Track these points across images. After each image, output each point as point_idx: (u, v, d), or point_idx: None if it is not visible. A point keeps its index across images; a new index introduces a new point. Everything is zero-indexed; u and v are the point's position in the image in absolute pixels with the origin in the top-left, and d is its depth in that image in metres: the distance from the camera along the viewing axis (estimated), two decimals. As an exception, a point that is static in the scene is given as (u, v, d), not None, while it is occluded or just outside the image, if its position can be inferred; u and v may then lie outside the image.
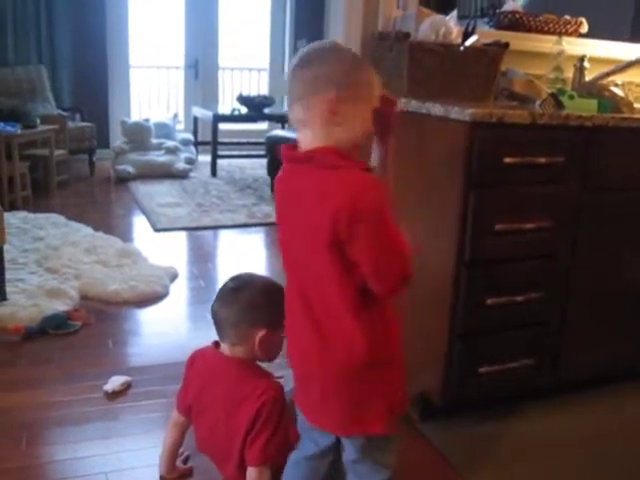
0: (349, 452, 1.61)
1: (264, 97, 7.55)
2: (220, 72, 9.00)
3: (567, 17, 2.97)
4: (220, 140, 7.37)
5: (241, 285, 1.94)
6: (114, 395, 2.55)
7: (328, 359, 1.49)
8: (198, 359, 2.05)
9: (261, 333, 1.87)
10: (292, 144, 1.50)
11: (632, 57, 2.94)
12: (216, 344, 1.99)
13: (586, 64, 2.88)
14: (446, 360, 2.29)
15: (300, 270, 1.51)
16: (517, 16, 2.91)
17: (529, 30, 2.92)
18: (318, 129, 1.43)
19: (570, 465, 2.25)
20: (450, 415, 2.45)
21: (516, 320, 2.36)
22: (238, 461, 1.88)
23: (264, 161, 6.81)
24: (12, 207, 5.17)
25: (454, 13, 2.58)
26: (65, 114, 6.69)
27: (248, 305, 1.89)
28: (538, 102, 2.42)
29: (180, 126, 8.42)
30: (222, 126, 7.44)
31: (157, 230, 5.06)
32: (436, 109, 2.22)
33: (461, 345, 2.28)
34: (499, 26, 2.92)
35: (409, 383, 2.40)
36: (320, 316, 1.47)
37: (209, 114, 7.36)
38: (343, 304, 1.43)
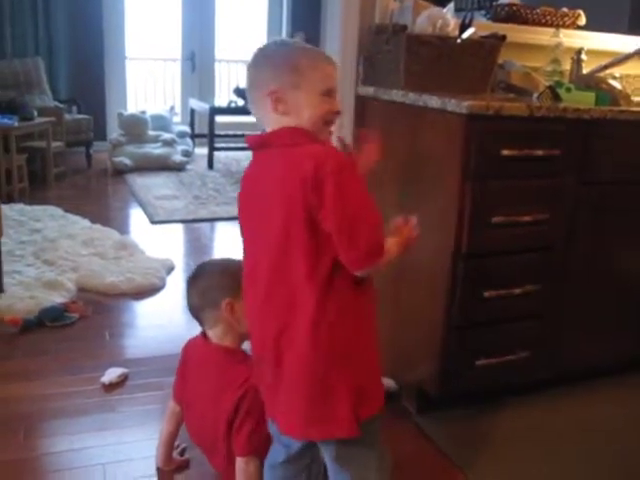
0: (325, 457, 1.57)
1: (261, 89, 7.51)
2: (217, 64, 8.99)
3: (564, 9, 2.96)
4: (217, 132, 7.36)
5: (197, 272, 2.01)
6: (111, 387, 2.56)
7: (289, 351, 1.45)
8: (190, 348, 2.06)
9: (224, 303, 1.88)
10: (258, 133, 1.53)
11: (630, 49, 2.94)
12: (204, 333, 2.01)
13: (584, 56, 2.87)
14: (443, 352, 2.29)
15: (267, 255, 1.47)
16: (514, 8, 2.90)
17: (526, 22, 2.91)
18: (272, 121, 1.48)
19: (567, 457, 2.26)
20: (447, 407, 2.45)
21: (513, 312, 2.36)
22: (224, 451, 1.88)
23: (261, 154, 6.79)
24: (9, 199, 5.17)
25: (451, 5, 2.58)
26: (62, 106, 6.68)
27: (206, 287, 1.95)
28: (535, 95, 2.42)
29: (177, 118, 8.40)
30: (219, 118, 7.43)
31: (154, 222, 5.06)
32: (433, 101, 2.22)
33: (458, 337, 2.29)
34: (496, 18, 2.92)
35: (406, 375, 2.41)
36: (286, 305, 1.44)
37: (206, 106, 7.35)
38: (310, 287, 1.41)
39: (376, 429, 1.55)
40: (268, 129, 1.49)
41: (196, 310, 1.98)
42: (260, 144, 1.50)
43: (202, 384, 1.96)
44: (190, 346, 2.07)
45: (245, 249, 1.57)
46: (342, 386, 1.44)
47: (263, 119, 1.49)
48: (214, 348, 1.96)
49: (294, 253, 1.41)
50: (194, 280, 2.00)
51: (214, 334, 1.96)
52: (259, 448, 1.80)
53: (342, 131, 2.65)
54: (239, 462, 1.84)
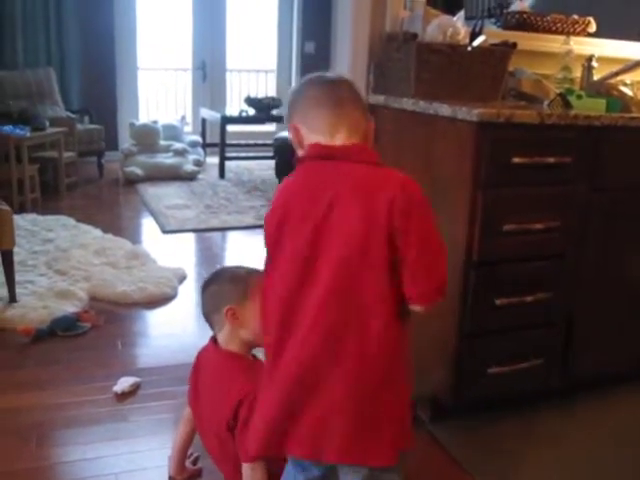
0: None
1: (272, 99, 7.54)
2: (228, 74, 9.01)
3: (575, 17, 2.96)
4: (228, 142, 7.37)
5: (210, 277, 2.06)
6: (123, 396, 2.56)
7: (336, 369, 1.42)
8: (201, 355, 2.08)
9: (225, 309, 1.91)
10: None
11: (640, 56, 2.94)
12: (215, 338, 2.02)
13: (594, 63, 2.87)
14: (455, 361, 2.29)
15: (333, 268, 1.41)
16: (525, 16, 2.90)
17: (537, 30, 2.91)
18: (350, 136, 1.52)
19: (579, 464, 2.24)
20: (460, 416, 2.45)
21: (525, 320, 2.36)
22: (231, 458, 1.88)
23: (272, 162, 6.81)
24: (21, 209, 5.19)
25: (461, 13, 2.58)
26: (74, 116, 6.70)
27: (214, 292, 1.99)
28: (546, 102, 2.42)
29: (188, 128, 8.43)
30: (230, 128, 7.45)
31: (166, 232, 5.07)
32: (444, 110, 2.22)
33: (470, 345, 2.28)
34: (507, 26, 2.92)
35: (419, 383, 2.40)
36: (343, 323, 1.41)
37: (217, 116, 7.37)
38: (381, 310, 1.40)
39: (404, 456, 1.54)
40: (333, 142, 1.50)
41: (207, 314, 2.02)
42: (338, 154, 1.49)
43: (209, 390, 1.97)
44: (202, 353, 2.08)
45: (283, 259, 1.48)
46: (388, 413, 1.44)
47: (343, 132, 1.51)
48: (222, 354, 1.97)
49: (370, 272, 1.40)
50: (207, 285, 2.04)
51: (221, 338, 1.99)
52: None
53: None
54: (245, 469, 1.82)
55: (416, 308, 1.44)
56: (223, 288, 1.98)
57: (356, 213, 1.40)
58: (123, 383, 2.61)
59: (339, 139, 1.50)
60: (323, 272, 1.42)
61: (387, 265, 1.39)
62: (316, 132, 1.52)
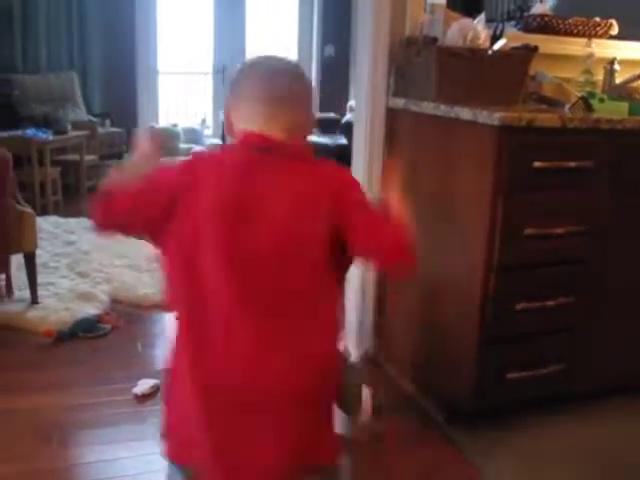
0: None
1: (291, 102, 7.54)
2: (248, 77, 9.02)
3: (597, 19, 2.94)
4: (248, 145, 7.38)
5: None
6: (143, 398, 2.57)
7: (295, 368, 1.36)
8: None
9: None
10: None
11: (663, 59, 2.91)
12: None
13: (616, 66, 2.85)
14: (475, 366, 2.28)
15: (257, 268, 1.35)
16: (546, 19, 2.88)
17: (558, 33, 2.89)
18: (300, 131, 1.50)
19: (597, 471, 2.23)
20: (477, 419, 2.43)
21: (545, 326, 2.34)
22: None
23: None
24: (44, 212, 5.23)
25: (482, 17, 2.57)
26: (95, 120, 6.76)
27: None
28: (568, 106, 2.40)
29: (208, 131, 8.45)
30: (250, 131, 7.44)
31: (186, 235, 5.07)
32: (464, 113, 2.21)
33: (490, 350, 2.27)
34: (527, 29, 2.90)
35: (437, 387, 2.38)
36: (286, 322, 1.36)
37: (237, 119, 7.37)
38: (323, 296, 1.39)
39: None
40: (290, 133, 1.46)
41: None
42: (272, 148, 1.43)
43: None
44: None
45: (213, 255, 1.41)
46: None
47: (276, 129, 1.44)
48: None
49: (312, 263, 1.37)
50: None
51: None
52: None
53: (373, 145, 2.65)
54: None
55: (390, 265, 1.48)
56: None
57: (290, 205, 1.37)
58: (143, 385, 2.62)
59: (271, 133, 1.43)
60: (236, 282, 1.39)
61: (327, 262, 1.38)
62: (248, 124, 1.47)
